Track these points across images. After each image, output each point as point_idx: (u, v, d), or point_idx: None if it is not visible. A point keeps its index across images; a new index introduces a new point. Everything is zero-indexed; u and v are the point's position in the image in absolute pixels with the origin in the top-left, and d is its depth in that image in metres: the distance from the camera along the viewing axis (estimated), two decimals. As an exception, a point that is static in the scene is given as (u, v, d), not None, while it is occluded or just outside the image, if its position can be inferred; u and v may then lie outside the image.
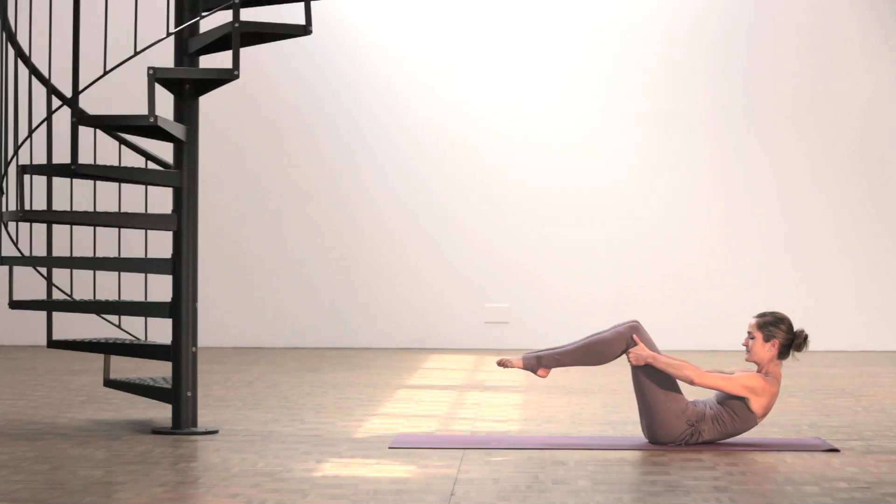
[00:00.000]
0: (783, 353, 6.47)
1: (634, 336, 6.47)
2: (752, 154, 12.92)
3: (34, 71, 7.04)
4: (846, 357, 11.97)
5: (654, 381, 6.41)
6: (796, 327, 6.52)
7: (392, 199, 13.01)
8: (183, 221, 6.91)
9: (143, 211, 9.38)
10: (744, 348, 6.56)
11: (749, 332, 6.50)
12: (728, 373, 6.53)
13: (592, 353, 6.53)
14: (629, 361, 6.46)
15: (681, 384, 6.57)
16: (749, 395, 6.38)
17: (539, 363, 6.63)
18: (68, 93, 9.25)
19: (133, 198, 10.38)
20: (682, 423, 6.41)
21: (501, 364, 6.66)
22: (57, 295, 7.62)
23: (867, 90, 12.88)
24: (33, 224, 7.77)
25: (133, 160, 10.24)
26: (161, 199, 10.37)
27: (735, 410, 6.42)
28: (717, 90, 12.93)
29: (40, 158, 10.97)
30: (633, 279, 12.88)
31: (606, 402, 8.40)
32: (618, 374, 10.22)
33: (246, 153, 13.06)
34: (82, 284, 10.40)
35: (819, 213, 12.89)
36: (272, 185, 13.05)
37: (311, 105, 13.05)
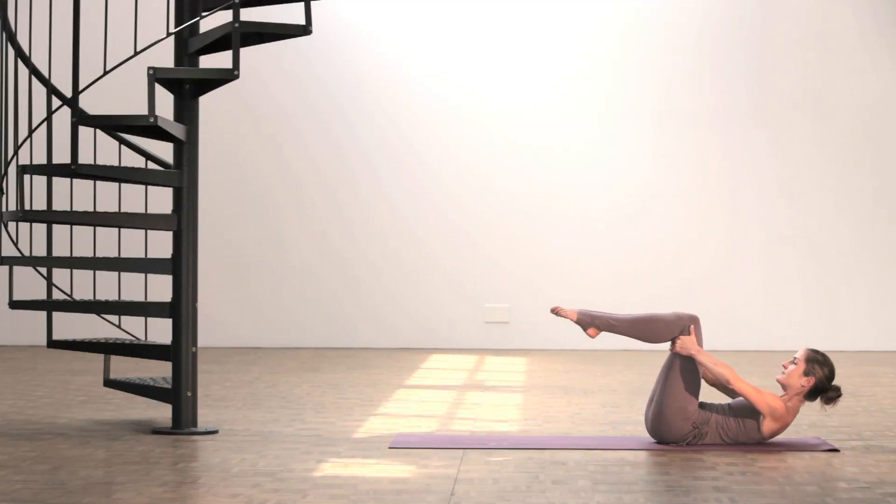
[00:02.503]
0: (811, 395, 6.51)
1: (692, 326, 6.50)
2: (759, 155, 12.91)
3: (34, 71, 7.04)
4: (846, 357, 11.97)
5: (682, 376, 6.44)
6: (836, 381, 6.56)
7: (393, 199, 13.01)
8: (183, 221, 6.91)
9: (143, 211, 9.39)
10: (782, 368, 6.58)
11: (795, 359, 6.53)
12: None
13: (648, 329, 6.54)
14: (672, 348, 6.47)
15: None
16: (767, 415, 6.41)
17: (592, 322, 6.62)
18: (68, 93, 9.26)
19: (133, 198, 10.39)
20: (688, 425, 6.43)
21: (555, 312, 6.64)
22: (57, 295, 7.62)
23: (874, 88, 12.87)
24: (33, 224, 7.77)
25: (133, 160, 10.25)
26: (161, 199, 10.38)
27: (745, 425, 6.44)
28: (722, 90, 12.92)
29: (40, 158, 10.99)
30: (633, 279, 12.88)
31: (606, 402, 8.40)
32: (618, 375, 10.22)
33: (247, 153, 13.05)
34: (82, 284, 10.40)
35: (824, 214, 12.88)
36: (273, 184, 13.04)
37: (313, 105, 13.04)
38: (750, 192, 12.91)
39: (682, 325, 6.51)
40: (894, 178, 12.89)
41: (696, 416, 6.43)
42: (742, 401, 6.52)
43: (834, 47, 12.91)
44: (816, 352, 6.54)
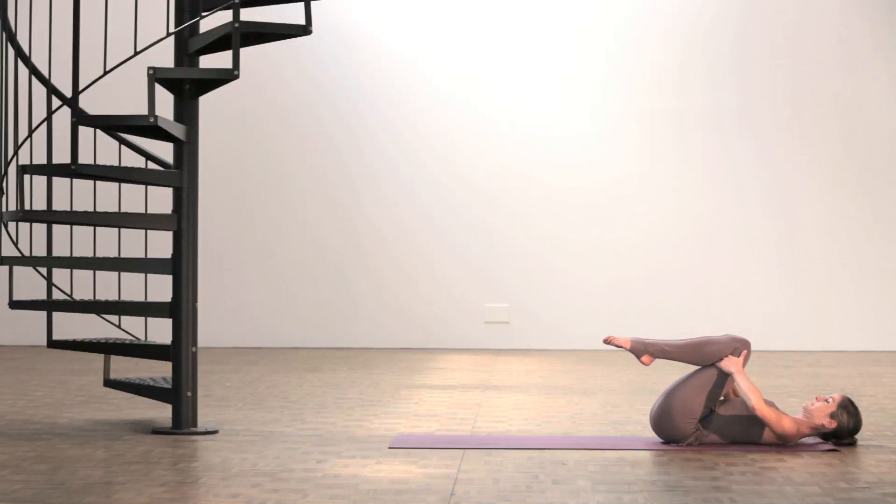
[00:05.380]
0: (827, 435, 6.53)
1: (745, 352, 6.52)
2: (746, 155, 12.91)
3: (34, 71, 7.04)
4: (846, 357, 11.97)
5: (708, 386, 6.46)
6: (858, 436, 6.60)
7: (392, 201, 13.01)
8: (183, 221, 6.91)
9: (143, 211, 9.39)
10: (814, 399, 6.62)
11: (831, 397, 6.54)
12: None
13: (701, 352, 6.56)
14: (717, 364, 6.51)
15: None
16: (776, 433, 6.42)
17: (646, 349, 6.64)
18: (68, 93, 9.27)
19: (133, 198, 10.39)
20: (690, 427, 6.45)
21: (608, 341, 6.65)
22: (57, 295, 7.62)
23: (855, 88, 12.87)
24: (33, 224, 7.77)
25: (133, 160, 10.25)
26: (161, 200, 10.38)
27: (749, 434, 6.46)
28: (710, 89, 12.92)
29: (40, 158, 11.00)
30: (631, 278, 12.88)
31: (606, 402, 8.40)
32: (618, 375, 10.22)
33: (248, 153, 13.05)
34: (82, 284, 10.40)
35: (816, 212, 12.88)
36: (273, 185, 13.04)
37: (318, 101, 13.03)
38: (746, 193, 12.90)
39: (734, 347, 6.55)
40: (885, 175, 12.88)
41: (698, 422, 6.46)
42: (744, 411, 6.52)
43: (820, 47, 12.90)
44: (852, 403, 6.55)
